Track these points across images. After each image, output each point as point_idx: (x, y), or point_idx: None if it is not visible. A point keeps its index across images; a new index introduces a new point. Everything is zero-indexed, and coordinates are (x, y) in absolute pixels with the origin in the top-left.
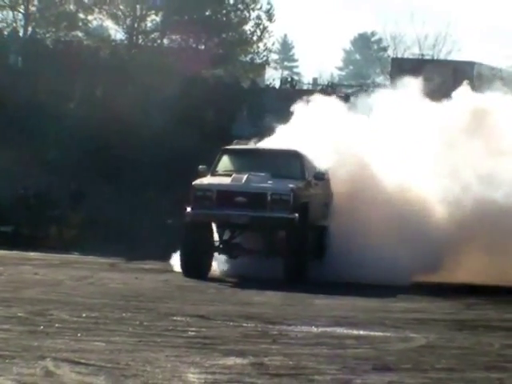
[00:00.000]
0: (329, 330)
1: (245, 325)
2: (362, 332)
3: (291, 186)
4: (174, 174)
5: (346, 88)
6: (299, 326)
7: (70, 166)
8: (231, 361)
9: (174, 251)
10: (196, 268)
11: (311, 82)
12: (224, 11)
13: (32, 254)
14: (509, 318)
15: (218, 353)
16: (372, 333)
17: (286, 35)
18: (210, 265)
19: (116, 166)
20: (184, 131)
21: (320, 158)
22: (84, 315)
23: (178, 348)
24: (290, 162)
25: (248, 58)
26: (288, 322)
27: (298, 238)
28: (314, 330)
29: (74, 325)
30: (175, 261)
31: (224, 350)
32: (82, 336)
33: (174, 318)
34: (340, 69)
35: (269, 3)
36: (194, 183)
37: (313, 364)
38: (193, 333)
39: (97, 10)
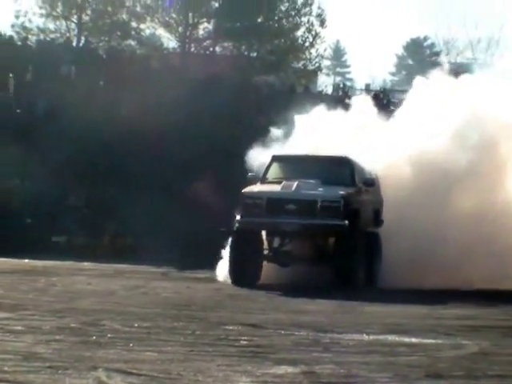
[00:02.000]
0: (380, 337)
1: (296, 333)
2: (413, 339)
3: (341, 192)
4: (227, 179)
5: (399, 93)
6: (350, 333)
7: (122, 175)
8: (282, 369)
9: (219, 260)
10: (245, 276)
11: (364, 87)
12: (276, 18)
13: (85, 264)
14: None
15: (270, 361)
16: (424, 340)
17: (338, 41)
18: (259, 273)
19: (170, 174)
20: (236, 138)
21: (369, 163)
22: (136, 325)
23: (229, 357)
24: (340, 169)
25: (300, 65)
26: (339, 329)
27: (348, 245)
28: (366, 337)
29: (126, 335)
30: (220, 270)
31: (275, 359)
32: (134, 346)
33: (226, 326)
34: (393, 74)
35: (320, 8)
36: (243, 191)
37: (364, 372)
38: (244, 342)
39: (149, 18)
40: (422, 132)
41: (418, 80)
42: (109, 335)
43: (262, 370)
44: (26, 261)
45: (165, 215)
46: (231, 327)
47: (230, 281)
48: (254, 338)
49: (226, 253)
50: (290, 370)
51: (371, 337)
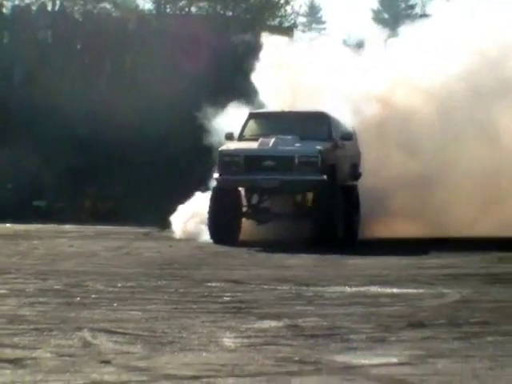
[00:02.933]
0: (362, 289)
1: (279, 288)
2: (395, 290)
3: (319, 147)
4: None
5: None
6: (333, 286)
7: (103, 142)
8: (266, 324)
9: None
10: (225, 233)
11: None
12: None
13: (67, 227)
14: None
15: (253, 316)
16: (405, 290)
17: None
18: (239, 230)
19: (150, 143)
20: (216, 100)
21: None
22: (120, 285)
23: (213, 313)
24: (317, 124)
25: (276, 22)
26: (322, 283)
27: (327, 199)
28: (348, 289)
29: (109, 295)
30: (176, 225)
31: (259, 314)
32: (118, 306)
33: (209, 283)
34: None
35: None
36: (220, 149)
37: (347, 323)
38: (228, 298)
39: None
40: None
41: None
42: (93, 296)
43: (246, 325)
44: (8, 225)
45: (144, 179)
46: (214, 284)
47: (182, 236)
48: (237, 294)
49: (182, 208)
50: (273, 324)
51: (353, 289)
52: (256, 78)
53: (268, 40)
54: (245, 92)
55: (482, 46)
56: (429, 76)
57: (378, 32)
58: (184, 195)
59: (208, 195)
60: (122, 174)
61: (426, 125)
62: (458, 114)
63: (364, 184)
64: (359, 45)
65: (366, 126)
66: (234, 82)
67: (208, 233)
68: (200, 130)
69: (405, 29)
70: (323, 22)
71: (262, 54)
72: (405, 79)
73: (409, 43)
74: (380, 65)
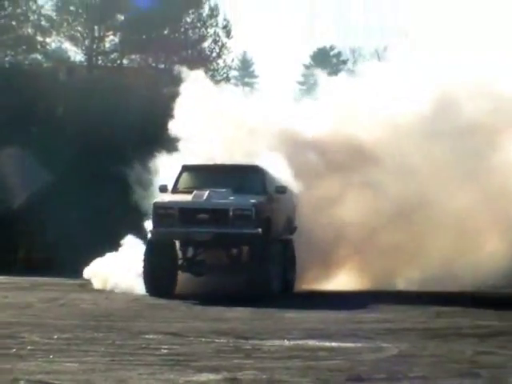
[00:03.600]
0: (301, 342)
1: (217, 340)
2: (334, 344)
3: (253, 201)
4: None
5: None
6: (271, 339)
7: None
8: (205, 377)
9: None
10: (160, 287)
11: None
12: (182, 29)
13: (1, 278)
14: (479, 324)
15: (192, 369)
16: (344, 344)
17: (245, 52)
18: (174, 283)
19: (80, 186)
20: (148, 150)
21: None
22: (56, 337)
23: (151, 366)
24: (251, 177)
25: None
26: (259, 336)
27: (261, 253)
28: (287, 343)
29: (46, 346)
30: (88, 274)
31: (197, 367)
32: (55, 357)
33: (146, 336)
34: (301, 83)
35: (226, 19)
36: (155, 201)
37: (286, 377)
38: (165, 350)
39: (55, 32)
40: None
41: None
42: (28, 347)
43: (185, 378)
44: None
45: (77, 226)
46: (151, 336)
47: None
48: (175, 347)
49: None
50: (212, 377)
51: (292, 342)
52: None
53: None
54: (176, 142)
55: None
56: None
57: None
58: (115, 244)
59: (137, 245)
60: (55, 225)
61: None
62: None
63: (303, 234)
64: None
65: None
66: (163, 133)
67: (140, 285)
68: (127, 183)
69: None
70: (256, 76)
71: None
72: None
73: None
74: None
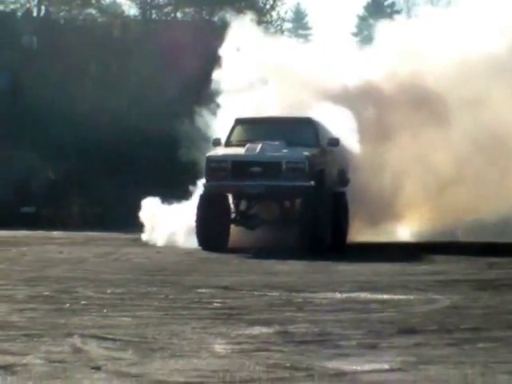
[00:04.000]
0: (353, 295)
1: (269, 294)
2: (385, 296)
3: (306, 153)
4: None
5: None
6: (323, 292)
7: (90, 149)
8: (257, 330)
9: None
10: (213, 240)
11: None
12: None
13: (55, 233)
14: None
15: (244, 323)
16: (396, 296)
17: (298, 3)
18: (227, 236)
19: (134, 149)
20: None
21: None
22: (109, 291)
23: (203, 320)
24: (304, 130)
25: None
26: (312, 289)
27: (314, 206)
28: (338, 296)
29: (99, 301)
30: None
31: (249, 320)
32: (108, 312)
33: (199, 290)
34: (354, 35)
35: None
36: (208, 155)
37: (338, 330)
38: (218, 304)
39: None
40: None
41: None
42: (82, 302)
43: (237, 332)
44: None
45: (131, 186)
46: (204, 290)
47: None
48: (227, 300)
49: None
50: (264, 330)
51: (343, 295)
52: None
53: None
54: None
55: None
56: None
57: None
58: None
59: (190, 203)
60: (110, 181)
61: None
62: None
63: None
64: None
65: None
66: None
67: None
68: (181, 138)
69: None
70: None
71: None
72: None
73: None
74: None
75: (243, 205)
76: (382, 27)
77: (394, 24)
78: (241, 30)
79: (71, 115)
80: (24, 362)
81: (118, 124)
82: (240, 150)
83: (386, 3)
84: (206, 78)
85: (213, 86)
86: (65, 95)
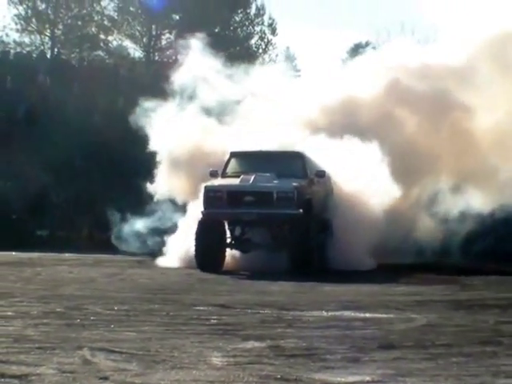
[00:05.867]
0: (338, 313)
1: (262, 312)
2: (367, 314)
3: (295, 184)
4: None
5: None
6: (311, 311)
7: (96, 172)
8: (250, 344)
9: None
10: (211, 263)
11: None
12: (231, 28)
13: (67, 255)
14: (501, 296)
15: (239, 338)
16: (377, 315)
17: (288, 48)
18: (223, 259)
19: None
20: None
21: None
22: (116, 308)
23: (201, 335)
24: (293, 163)
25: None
26: (300, 307)
27: (302, 231)
28: (325, 314)
29: (107, 317)
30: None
31: (244, 335)
32: (115, 327)
33: (197, 307)
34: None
35: (271, 18)
36: (205, 185)
37: (324, 345)
38: (215, 320)
39: (116, 31)
40: None
41: None
42: (91, 318)
43: (232, 346)
44: (13, 253)
45: (136, 210)
46: (202, 308)
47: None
48: (223, 317)
49: (172, 240)
50: (257, 344)
51: (329, 313)
52: None
53: None
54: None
55: None
56: None
57: None
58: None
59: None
60: (117, 204)
61: None
62: None
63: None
64: None
65: None
66: None
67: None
68: None
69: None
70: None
71: None
72: None
73: None
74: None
75: (238, 230)
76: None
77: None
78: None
79: (82, 144)
80: (38, 372)
81: (126, 151)
82: (235, 181)
83: (367, 48)
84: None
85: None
86: (75, 126)
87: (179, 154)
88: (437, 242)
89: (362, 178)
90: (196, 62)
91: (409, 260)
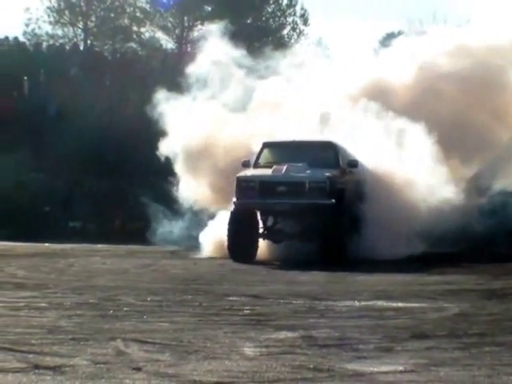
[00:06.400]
0: (370, 303)
1: (294, 302)
2: (400, 304)
3: (327, 174)
4: None
5: None
6: (343, 301)
7: (127, 167)
8: (283, 335)
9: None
10: (243, 253)
11: None
12: (263, 18)
13: (99, 246)
14: None
15: (271, 328)
16: (409, 304)
17: (320, 38)
18: (256, 250)
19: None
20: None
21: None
22: (149, 299)
23: (234, 325)
24: (326, 152)
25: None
26: (333, 297)
27: (335, 222)
28: (357, 304)
29: (140, 308)
30: (206, 242)
31: (276, 326)
32: (148, 318)
33: (230, 298)
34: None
35: (303, 9)
36: (238, 175)
37: (357, 335)
38: (247, 311)
39: (148, 22)
40: None
41: None
42: (124, 309)
43: (265, 336)
44: (46, 245)
45: (168, 202)
46: (235, 298)
47: (208, 254)
48: (256, 308)
49: (212, 226)
50: (289, 334)
51: (361, 303)
52: None
53: None
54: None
55: None
56: None
57: None
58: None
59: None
60: (148, 196)
61: None
62: None
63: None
64: None
65: None
66: None
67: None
68: None
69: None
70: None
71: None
72: None
73: None
74: None
75: (270, 221)
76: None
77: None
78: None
79: (113, 138)
80: (71, 363)
81: (157, 146)
82: (267, 171)
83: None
84: None
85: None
86: (107, 120)
87: (195, 153)
88: (486, 229)
89: (404, 162)
90: (215, 51)
91: (457, 248)
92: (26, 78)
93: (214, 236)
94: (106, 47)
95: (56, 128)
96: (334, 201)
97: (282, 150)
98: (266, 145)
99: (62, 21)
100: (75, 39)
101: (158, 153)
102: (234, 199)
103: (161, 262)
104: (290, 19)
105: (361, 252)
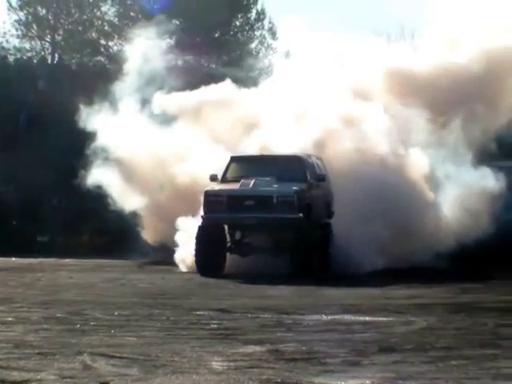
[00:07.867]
0: (337, 317)
1: (261, 316)
2: (367, 318)
3: (295, 188)
4: None
5: None
6: (310, 314)
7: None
8: (250, 349)
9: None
10: (211, 267)
11: None
12: (232, 32)
13: (67, 261)
14: (501, 299)
15: (239, 342)
16: (377, 318)
17: (288, 51)
18: (223, 264)
19: None
20: None
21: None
22: (116, 313)
23: (202, 339)
24: (293, 166)
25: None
26: (300, 311)
27: (303, 237)
28: (324, 317)
29: (107, 322)
30: (179, 258)
31: (244, 340)
32: (115, 332)
33: (197, 312)
34: None
35: (271, 23)
36: (206, 189)
37: (324, 349)
38: (215, 325)
39: (116, 36)
40: None
41: None
42: (92, 323)
43: (232, 350)
44: (13, 259)
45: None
46: (202, 312)
47: (185, 269)
48: (224, 322)
49: (183, 241)
50: (257, 349)
51: (329, 317)
52: None
53: None
54: None
55: None
56: None
57: None
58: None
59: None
60: (115, 211)
61: None
62: None
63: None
64: None
65: None
66: None
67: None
68: None
69: None
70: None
71: None
72: None
73: None
74: None
75: (238, 235)
76: None
77: None
78: None
79: (82, 148)
80: (38, 377)
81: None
82: (235, 186)
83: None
84: None
85: None
86: (76, 132)
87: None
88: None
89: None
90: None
91: (426, 263)
92: None
93: (181, 250)
94: (73, 61)
95: (26, 139)
96: (301, 215)
97: (249, 164)
98: (233, 159)
99: (29, 34)
100: (43, 53)
101: None
102: (202, 213)
103: (128, 276)
104: (258, 33)
105: (328, 266)
